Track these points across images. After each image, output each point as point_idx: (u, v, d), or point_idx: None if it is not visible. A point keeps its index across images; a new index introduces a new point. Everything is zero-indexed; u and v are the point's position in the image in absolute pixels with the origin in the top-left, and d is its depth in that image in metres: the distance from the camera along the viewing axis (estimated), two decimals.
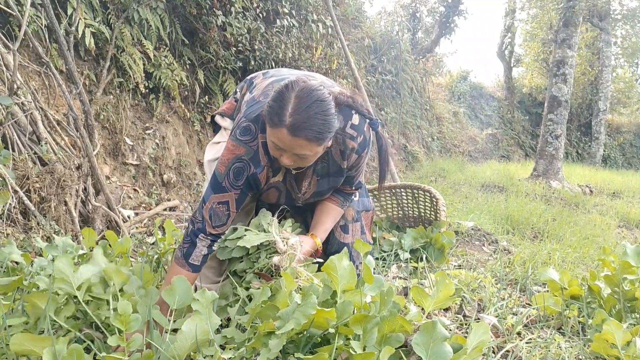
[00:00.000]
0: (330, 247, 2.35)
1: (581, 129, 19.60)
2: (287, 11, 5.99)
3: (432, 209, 3.75)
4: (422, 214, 3.86)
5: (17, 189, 2.95)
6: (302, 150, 1.80)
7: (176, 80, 5.01)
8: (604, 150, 18.11)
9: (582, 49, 18.26)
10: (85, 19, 4.31)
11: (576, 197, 8.44)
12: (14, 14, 3.30)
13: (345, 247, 2.34)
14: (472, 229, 4.73)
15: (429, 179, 8.31)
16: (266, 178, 2.04)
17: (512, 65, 18.03)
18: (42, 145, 3.22)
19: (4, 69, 3.13)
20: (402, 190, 3.88)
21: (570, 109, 11.96)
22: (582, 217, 7.16)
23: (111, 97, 4.55)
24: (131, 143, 4.72)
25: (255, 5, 5.60)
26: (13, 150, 3.16)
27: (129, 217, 4.19)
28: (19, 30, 3.42)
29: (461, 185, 8.13)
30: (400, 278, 3.14)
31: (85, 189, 3.54)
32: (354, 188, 2.27)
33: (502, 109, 17.29)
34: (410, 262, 3.35)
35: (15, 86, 3.04)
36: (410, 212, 3.92)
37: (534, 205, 6.67)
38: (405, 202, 3.91)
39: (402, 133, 10.50)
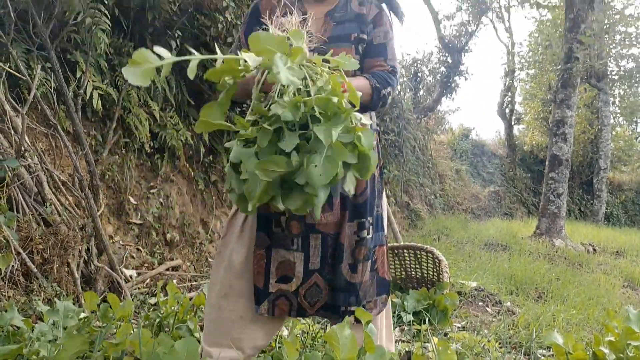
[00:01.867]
0: (335, 283, 2.08)
1: (583, 186, 19.64)
2: None
3: (435, 270, 3.75)
4: (425, 275, 3.85)
5: (20, 250, 2.97)
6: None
7: (181, 140, 5.08)
8: (607, 208, 18.11)
9: (581, 108, 18.50)
10: (93, 81, 4.42)
11: (580, 256, 8.41)
12: (25, 78, 3.40)
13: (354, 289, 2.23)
14: (476, 289, 4.71)
15: (432, 238, 8.30)
16: None
17: (512, 123, 18.24)
18: (46, 207, 3.25)
19: (12, 131, 3.19)
20: (404, 251, 3.89)
21: (571, 167, 12.05)
22: (587, 276, 7.12)
23: (117, 157, 4.61)
24: (135, 202, 4.75)
25: None
26: (17, 211, 3.18)
27: (131, 277, 4.18)
28: (29, 94, 3.51)
29: (464, 244, 8.12)
30: (403, 341, 3.11)
31: (88, 249, 3.55)
32: (387, 64, 2.10)
33: (504, 167, 17.40)
34: (413, 324, 3.32)
35: (22, 148, 3.10)
36: (413, 273, 3.91)
37: (538, 265, 6.64)
38: (408, 263, 3.92)
39: (405, 191, 10.55)
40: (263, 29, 1.70)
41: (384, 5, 2.16)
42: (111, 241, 4.49)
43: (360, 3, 2.13)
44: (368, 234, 2.09)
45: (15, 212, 3.13)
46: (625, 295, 6.71)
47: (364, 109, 1.93)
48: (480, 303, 4.51)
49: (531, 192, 17.95)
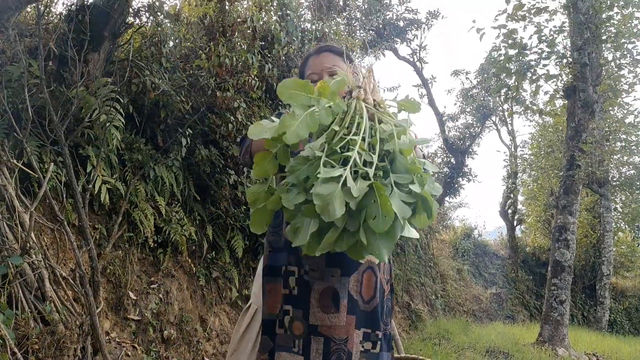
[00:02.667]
0: None
1: (585, 291, 19.41)
2: None
3: None
4: None
5: (16, 350, 2.90)
6: (328, 62, 2.10)
7: (185, 236, 5.09)
8: (610, 315, 17.81)
9: (583, 212, 18.57)
10: (103, 175, 4.48)
11: None
12: (36, 175, 3.45)
13: None
14: None
15: (433, 342, 8.12)
16: None
17: (515, 224, 18.26)
18: (46, 305, 3.22)
19: (19, 227, 3.21)
20: None
21: (573, 272, 11.94)
22: None
23: (120, 252, 4.60)
24: (135, 297, 4.69)
25: None
26: (17, 308, 3.15)
27: None
28: (38, 188, 3.56)
29: (465, 349, 7.93)
30: None
31: (83, 347, 3.48)
32: None
33: (506, 268, 17.27)
34: None
35: (27, 246, 3.10)
36: None
37: None
38: None
39: (405, 290, 10.43)
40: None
41: None
42: (107, 337, 4.41)
43: None
44: (375, 348, 2.00)
45: (14, 308, 3.09)
46: None
47: None
48: None
49: (533, 294, 17.72)
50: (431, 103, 13.43)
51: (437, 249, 14.02)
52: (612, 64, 10.63)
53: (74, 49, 4.39)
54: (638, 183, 16.78)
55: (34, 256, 3.23)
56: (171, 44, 4.82)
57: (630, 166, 16.37)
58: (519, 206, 19.06)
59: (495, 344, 8.59)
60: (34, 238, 3.34)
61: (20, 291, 3.18)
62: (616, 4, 9.75)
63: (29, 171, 3.38)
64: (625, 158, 15.76)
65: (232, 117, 5.13)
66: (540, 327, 9.68)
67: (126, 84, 4.65)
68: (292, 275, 1.97)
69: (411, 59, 13.87)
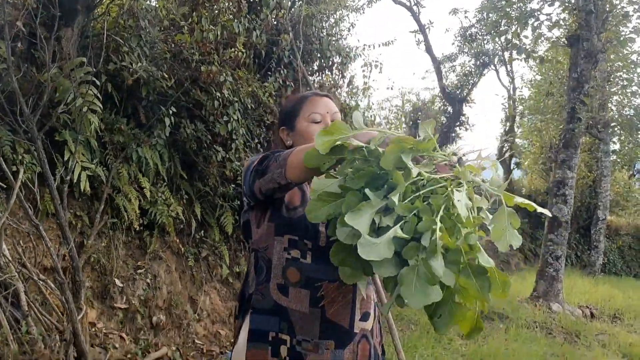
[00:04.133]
0: None
1: (580, 231, 19.50)
2: None
3: None
4: None
5: None
6: (334, 107, 1.98)
7: (172, 216, 4.91)
8: (604, 256, 17.98)
9: (581, 154, 18.41)
10: (82, 161, 4.25)
11: (577, 324, 8.23)
12: (8, 177, 3.23)
13: None
14: None
15: None
16: None
17: (511, 168, 18.14)
18: (22, 325, 3.07)
19: None
20: None
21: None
22: (584, 353, 6.95)
23: (103, 240, 4.44)
24: (121, 285, 4.56)
25: (256, 141, 5.57)
26: None
27: None
28: (13, 177, 3.33)
29: None
30: None
31: (66, 357, 3.36)
32: None
33: None
34: None
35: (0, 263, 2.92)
36: None
37: (535, 347, 6.45)
38: None
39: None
40: None
41: None
42: (93, 329, 4.30)
43: None
44: None
45: None
46: None
47: None
48: None
49: (528, 237, 17.80)
50: (428, 50, 13.00)
51: None
52: (618, 10, 10.21)
53: (44, 27, 4.10)
54: (637, 123, 16.55)
55: (9, 273, 3.05)
56: (149, 16, 4.48)
57: (631, 108, 16.08)
58: (518, 142, 18.83)
59: (491, 306, 8.58)
60: (6, 252, 3.15)
61: None
62: None
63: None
64: (626, 101, 15.46)
65: (217, 94, 4.86)
66: (535, 283, 9.69)
67: (103, 61, 4.36)
68: (283, 344, 1.80)
69: (408, 3, 13.37)
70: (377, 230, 1.26)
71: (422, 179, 1.34)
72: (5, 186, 3.63)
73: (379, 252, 1.19)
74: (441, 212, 1.24)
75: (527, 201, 1.42)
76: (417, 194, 1.30)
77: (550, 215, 1.48)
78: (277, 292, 1.79)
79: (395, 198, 1.25)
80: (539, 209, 1.43)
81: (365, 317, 1.87)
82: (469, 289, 1.29)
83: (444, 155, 1.45)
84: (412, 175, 1.30)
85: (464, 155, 1.46)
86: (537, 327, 7.69)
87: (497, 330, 7.13)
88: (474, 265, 1.28)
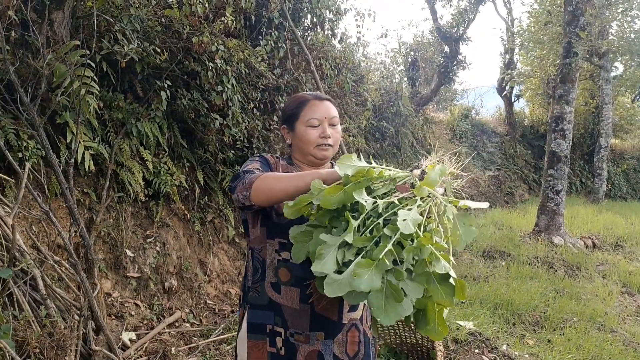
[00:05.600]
0: None
1: (584, 157, 19.61)
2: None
3: (429, 340, 3.80)
4: (420, 342, 3.90)
5: (17, 358, 3.00)
6: (333, 112, 2.06)
7: (175, 185, 5.08)
8: (608, 180, 18.13)
9: (582, 81, 18.30)
10: (84, 140, 4.39)
11: (578, 256, 8.46)
12: (15, 167, 3.38)
13: None
14: (471, 334, 4.76)
15: None
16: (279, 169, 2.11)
17: (512, 100, 18.07)
18: (41, 310, 3.28)
19: (3, 240, 3.20)
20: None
21: (572, 139, 11.96)
22: (584, 285, 7.18)
23: (112, 217, 4.62)
24: (132, 255, 4.78)
25: (252, 105, 5.67)
26: (14, 309, 3.21)
27: (130, 340, 4.25)
28: (20, 166, 3.49)
29: (462, 252, 8.16)
30: None
31: (85, 332, 3.59)
32: None
33: (504, 145, 17.32)
34: None
35: (15, 256, 3.11)
36: (408, 339, 3.96)
37: (535, 284, 6.67)
38: (402, 328, 3.96)
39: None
40: None
41: None
42: (110, 298, 4.54)
43: None
44: None
45: (9, 314, 3.16)
46: (622, 305, 6.79)
47: None
48: (476, 350, 4.57)
49: (532, 167, 17.93)
50: None
51: (434, 132, 14.01)
52: None
53: (35, 12, 4.17)
54: (637, 47, 16.34)
55: (25, 261, 3.24)
56: None
57: (632, 33, 15.85)
58: (519, 69, 18.65)
59: (492, 243, 8.80)
60: (21, 242, 3.34)
61: (17, 293, 3.23)
62: None
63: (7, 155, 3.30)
64: (626, 26, 15.22)
65: (210, 64, 4.94)
66: (537, 217, 9.87)
67: (96, 40, 4.43)
68: (279, 336, 2.00)
69: None
70: (345, 263, 1.42)
71: (377, 207, 1.49)
72: (13, 180, 3.78)
73: (342, 289, 1.35)
74: (398, 235, 1.39)
75: (466, 203, 1.56)
76: (377, 221, 1.45)
77: (486, 207, 1.63)
78: (271, 289, 1.99)
79: (348, 237, 1.40)
80: (474, 205, 1.58)
81: (353, 308, 2.05)
82: (435, 295, 1.45)
83: (405, 173, 1.59)
84: (365, 209, 1.45)
85: (423, 170, 1.60)
86: (538, 263, 7.91)
87: (499, 269, 7.36)
88: (437, 274, 1.44)
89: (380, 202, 1.49)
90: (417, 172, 1.62)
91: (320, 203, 1.48)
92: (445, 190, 1.62)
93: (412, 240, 1.43)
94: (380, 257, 1.36)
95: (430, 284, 1.44)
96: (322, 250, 1.40)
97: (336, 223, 1.49)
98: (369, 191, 1.56)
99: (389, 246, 1.37)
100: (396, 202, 1.50)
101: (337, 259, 1.40)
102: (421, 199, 1.51)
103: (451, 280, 1.45)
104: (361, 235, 1.43)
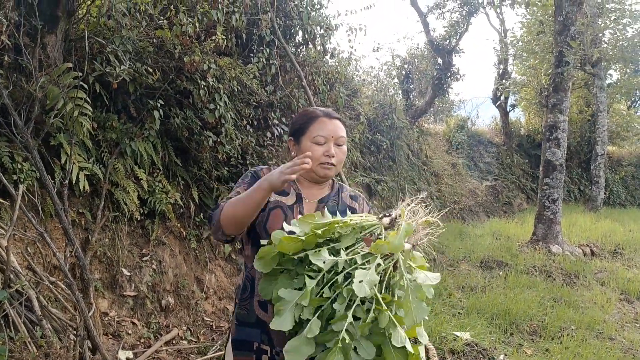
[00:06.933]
0: None
1: (582, 165, 19.66)
2: (276, 122, 6.11)
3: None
4: None
5: None
6: (340, 132, 2.08)
7: (171, 203, 5.11)
8: (606, 188, 18.16)
9: (577, 90, 18.39)
10: (78, 161, 4.43)
11: (576, 265, 8.47)
12: (9, 191, 3.41)
13: None
14: (468, 345, 4.77)
15: (427, 258, 8.34)
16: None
17: (507, 110, 18.15)
18: (37, 330, 3.30)
19: None
20: None
21: (569, 147, 12.01)
22: (583, 293, 7.19)
23: (107, 236, 4.65)
24: (128, 273, 4.80)
25: (245, 122, 5.72)
26: (10, 330, 3.23)
27: (127, 359, 4.26)
28: (14, 188, 3.51)
29: (460, 262, 8.17)
30: None
31: (81, 352, 3.61)
32: None
33: (501, 155, 17.36)
34: None
35: (10, 277, 3.13)
36: None
37: (533, 293, 6.68)
38: None
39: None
40: None
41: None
42: (106, 318, 4.56)
43: (351, 197, 2.23)
44: None
45: (5, 333, 3.18)
46: (621, 312, 6.80)
47: None
48: None
49: (529, 177, 17.95)
50: (413, 3, 12.95)
51: (430, 144, 14.05)
52: None
53: (28, 37, 4.22)
54: (632, 55, 16.44)
55: (19, 284, 3.27)
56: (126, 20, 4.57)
57: (624, 41, 15.96)
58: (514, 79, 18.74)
59: (490, 253, 8.80)
60: (15, 264, 3.36)
61: (13, 315, 3.26)
62: None
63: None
64: (618, 34, 15.32)
65: (202, 82, 4.99)
66: (534, 226, 9.89)
67: (89, 62, 4.49)
68: (265, 354, 2.03)
69: None
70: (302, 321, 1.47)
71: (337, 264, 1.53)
72: (7, 202, 3.81)
73: (301, 353, 1.41)
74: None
75: (418, 276, 1.60)
76: (336, 277, 1.50)
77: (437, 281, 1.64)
78: (259, 308, 2.02)
79: (305, 301, 1.44)
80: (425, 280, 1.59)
81: None
82: (389, 358, 1.48)
83: (373, 222, 1.62)
84: (323, 269, 1.49)
85: (393, 219, 1.62)
86: (536, 272, 7.92)
87: (497, 279, 7.37)
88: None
89: (340, 259, 1.52)
90: (386, 220, 1.64)
91: (278, 248, 1.54)
92: (413, 246, 1.64)
93: (371, 301, 1.47)
94: (340, 337, 1.43)
95: (386, 347, 1.47)
96: (280, 307, 1.47)
97: (299, 269, 1.54)
98: (333, 242, 1.60)
99: (348, 319, 1.44)
100: (358, 259, 1.53)
101: (294, 316, 1.45)
102: (382, 256, 1.54)
103: (407, 349, 1.48)
104: (321, 289, 1.48)
